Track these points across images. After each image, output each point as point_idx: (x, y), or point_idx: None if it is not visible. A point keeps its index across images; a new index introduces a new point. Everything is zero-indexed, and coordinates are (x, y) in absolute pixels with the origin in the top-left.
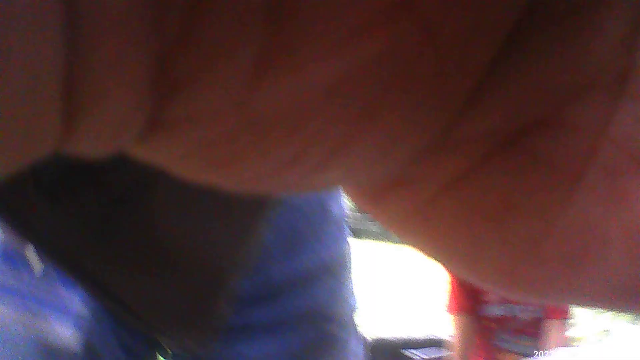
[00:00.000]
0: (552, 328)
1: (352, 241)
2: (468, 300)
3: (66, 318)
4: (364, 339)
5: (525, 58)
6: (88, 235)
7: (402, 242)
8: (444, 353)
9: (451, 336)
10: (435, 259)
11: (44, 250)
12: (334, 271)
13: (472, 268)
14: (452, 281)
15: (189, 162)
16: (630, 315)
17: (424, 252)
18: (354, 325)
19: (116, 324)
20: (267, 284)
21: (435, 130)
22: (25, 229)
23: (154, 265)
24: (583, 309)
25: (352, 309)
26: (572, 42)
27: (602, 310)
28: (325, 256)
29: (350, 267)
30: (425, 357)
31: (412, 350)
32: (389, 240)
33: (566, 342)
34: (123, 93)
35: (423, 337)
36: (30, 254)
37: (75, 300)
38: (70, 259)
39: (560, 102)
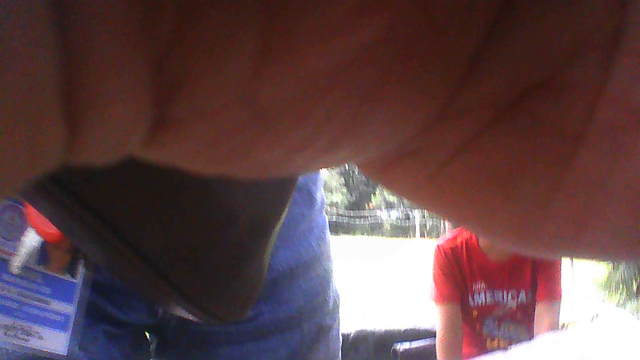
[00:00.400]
0: (542, 311)
1: (343, 237)
2: (453, 290)
3: (55, 332)
4: (349, 332)
5: (520, 22)
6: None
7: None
8: (429, 343)
9: (436, 325)
10: (448, 220)
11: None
12: (322, 260)
13: (484, 227)
14: (437, 271)
15: (198, 158)
16: (619, 299)
17: (436, 214)
18: (337, 310)
19: (108, 340)
20: (270, 274)
21: (439, 101)
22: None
23: (195, 215)
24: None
25: (336, 296)
26: (565, 2)
27: (592, 294)
28: (315, 245)
29: (331, 255)
30: (410, 347)
31: (397, 343)
32: (377, 235)
33: (557, 326)
34: (124, 96)
35: (407, 328)
36: (16, 258)
37: (67, 313)
38: (110, 221)
39: (557, 63)
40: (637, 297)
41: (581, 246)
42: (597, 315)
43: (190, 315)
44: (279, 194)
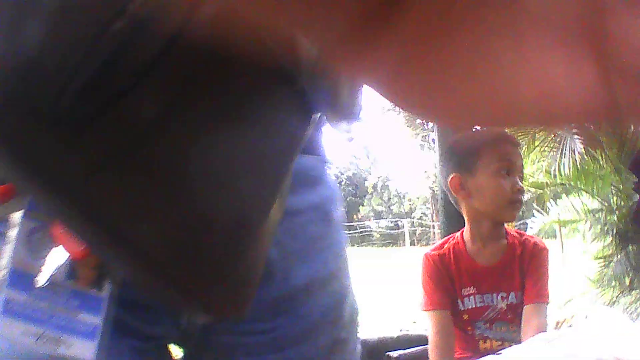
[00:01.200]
0: (529, 314)
1: None
2: (444, 297)
3: (84, 340)
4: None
5: None
6: (106, 172)
7: None
8: (422, 349)
9: (428, 331)
10: (401, 107)
11: (68, 214)
12: (339, 276)
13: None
14: (427, 279)
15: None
16: (612, 294)
17: (398, 105)
18: (355, 325)
19: (134, 355)
20: (287, 289)
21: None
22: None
23: (179, 210)
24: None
25: (353, 310)
26: None
27: (579, 293)
28: (332, 262)
29: (349, 271)
30: (403, 354)
31: (391, 351)
32: (367, 245)
33: (544, 328)
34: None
35: (399, 335)
36: (41, 272)
37: (94, 324)
38: (90, 212)
39: None
40: (630, 292)
41: (476, 112)
42: (590, 312)
43: (190, 311)
44: (261, 194)
